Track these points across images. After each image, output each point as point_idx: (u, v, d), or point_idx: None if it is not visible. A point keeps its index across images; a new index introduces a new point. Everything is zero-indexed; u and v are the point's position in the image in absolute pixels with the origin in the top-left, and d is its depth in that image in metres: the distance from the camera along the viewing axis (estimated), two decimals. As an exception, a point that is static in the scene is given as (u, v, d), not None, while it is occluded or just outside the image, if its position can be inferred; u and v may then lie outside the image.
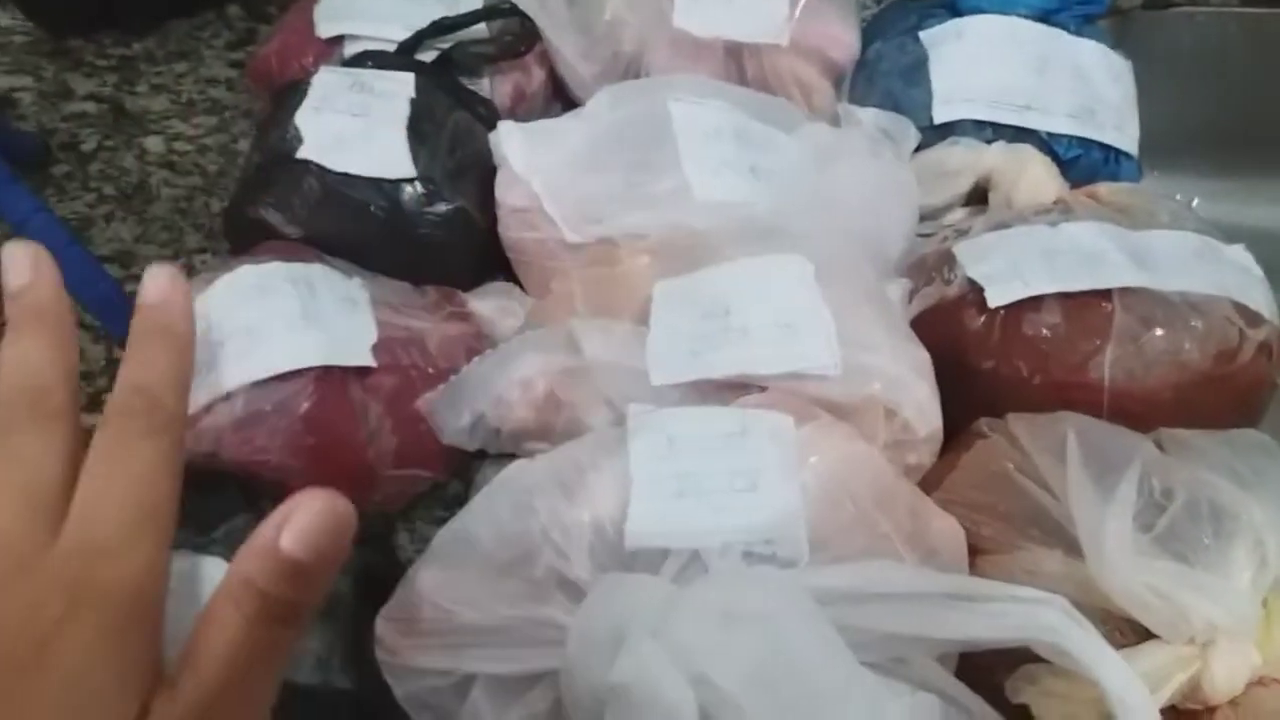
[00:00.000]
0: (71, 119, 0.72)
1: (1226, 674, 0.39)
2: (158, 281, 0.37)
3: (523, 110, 0.66)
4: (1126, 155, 0.61)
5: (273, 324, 0.47)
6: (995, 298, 0.49)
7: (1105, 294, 0.48)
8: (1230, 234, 0.85)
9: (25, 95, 0.73)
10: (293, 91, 0.58)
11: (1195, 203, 0.88)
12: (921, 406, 0.47)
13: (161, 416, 0.33)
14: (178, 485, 0.33)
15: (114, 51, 0.76)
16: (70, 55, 0.76)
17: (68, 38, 0.77)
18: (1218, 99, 0.83)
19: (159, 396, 0.33)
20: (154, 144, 0.70)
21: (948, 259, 0.52)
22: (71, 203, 0.67)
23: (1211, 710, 0.40)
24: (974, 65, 0.60)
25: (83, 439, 0.33)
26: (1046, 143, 0.59)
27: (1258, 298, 0.50)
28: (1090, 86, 0.61)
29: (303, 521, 0.31)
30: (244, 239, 0.58)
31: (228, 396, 0.47)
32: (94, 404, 0.59)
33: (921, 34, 0.62)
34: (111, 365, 0.60)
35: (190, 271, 0.64)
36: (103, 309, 0.58)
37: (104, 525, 0.30)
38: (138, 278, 0.63)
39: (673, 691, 0.36)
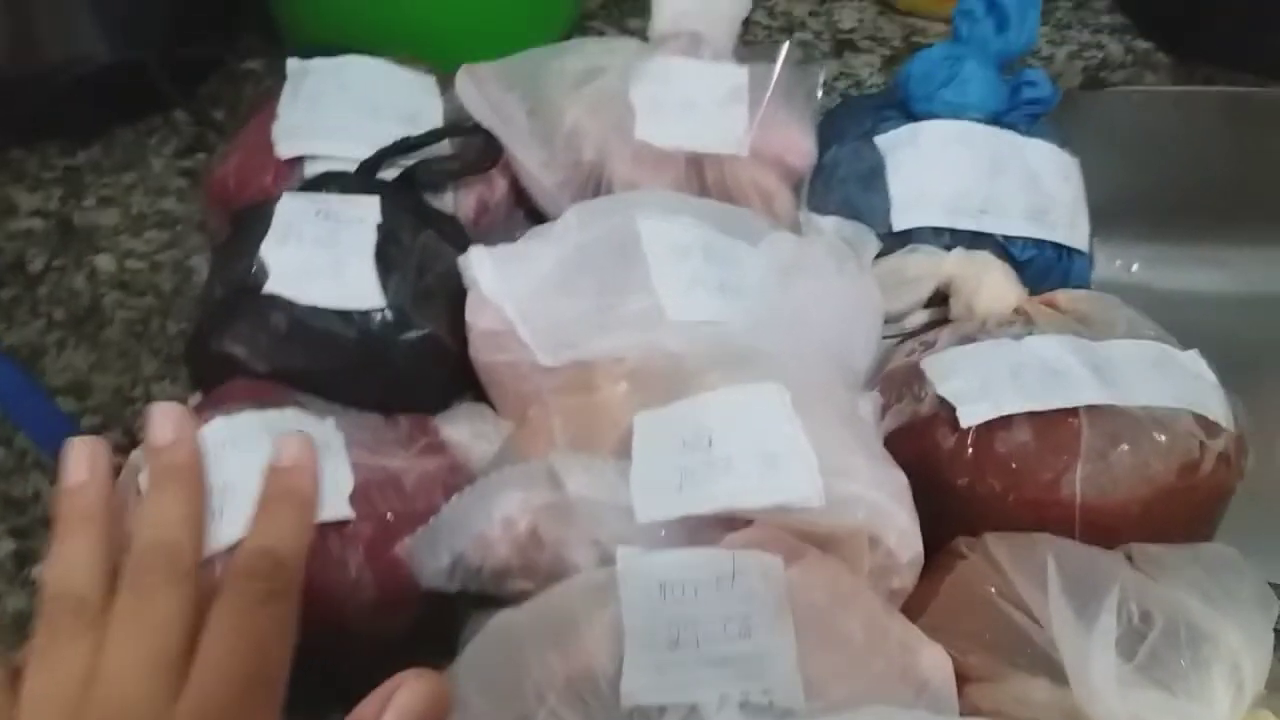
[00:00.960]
0: (17, 237, 0.70)
1: (1211, 800, 0.41)
2: (290, 448, 0.39)
3: (486, 222, 0.66)
4: (1079, 252, 0.63)
5: (248, 483, 0.46)
6: (966, 418, 0.50)
7: (1072, 411, 0.50)
8: (1168, 297, 0.87)
9: (-34, 213, 0.71)
10: (254, 219, 0.57)
11: (1135, 267, 0.92)
12: (904, 532, 0.48)
13: (283, 580, 0.37)
14: (291, 648, 0.35)
15: (58, 162, 0.75)
16: (12, 167, 0.74)
17: (10, 148, 0.75)
18: (1155, 171, 0.87)
19: (283, 560, 0.37)
20: (105, 262, 0.69)
21: (917, 375, 0.53)
22: (21, 330, 0.65)
23: (1199, 834, 0.41)
24: (930, 171, 0.62)
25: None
26: (1003, 245, 0.61)
27: (1214, 406, 0.51)
28: (1042, 186, 0.63)
29: (404, 702, 0.33)
30: (207, 372, 0.57)
31: (206, 562, 0.45)
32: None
33: (877, 139, 0.64)
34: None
35: (149, 401, 0.62)
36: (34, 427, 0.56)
37: (222, 693, 0.34)
38: (93, 410, 0.62)
39: None
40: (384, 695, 0.34)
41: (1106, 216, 0.73)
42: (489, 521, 0.50)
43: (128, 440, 0.59)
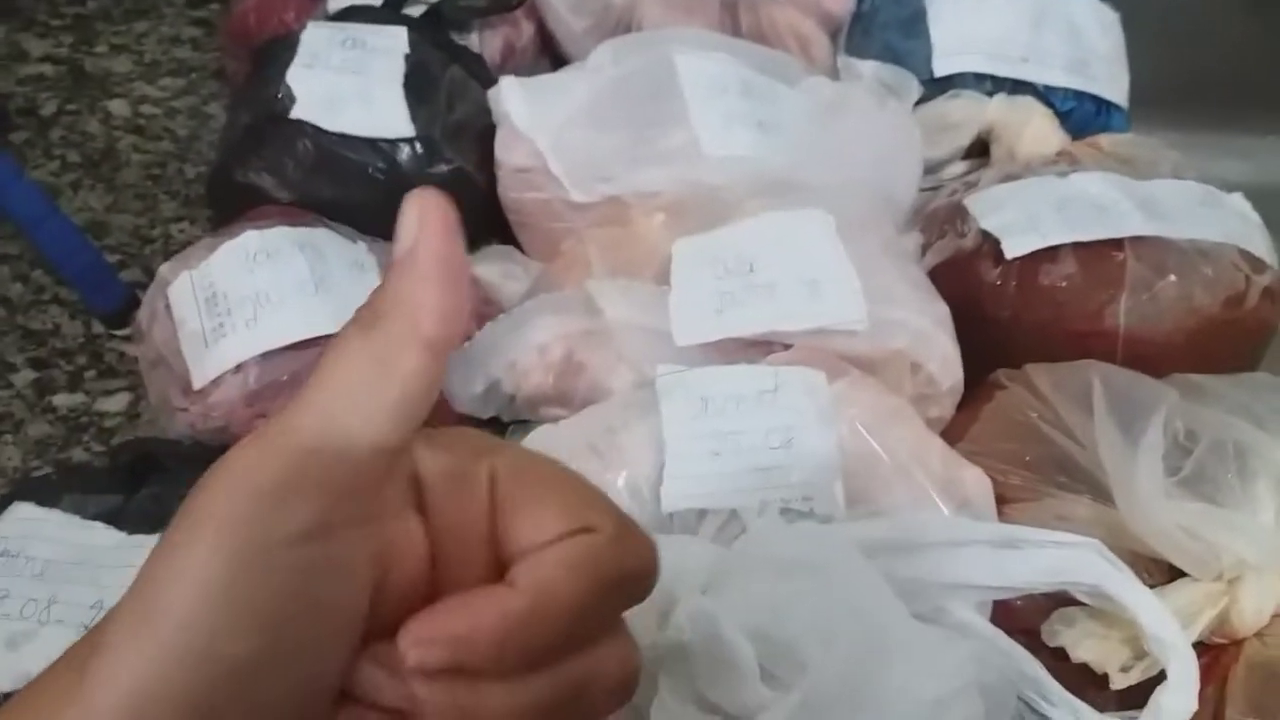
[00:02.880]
0: (28, 82, 0.68)
1: (1254, 607, 0.41)
2: None
3: (512, 66, 0.64)
4: (1117, 107, 0.62)
5: (283, 291, 0.45)
6: (1012, 249, 0.49)
7: (1118, 243, 0.49)
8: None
9: (-25, 58, 0.69)
10: (279, 48, 0.56)
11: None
12: (945, 360, 0.47)
13: None
14: None
15: (67, 10, 0.73)
16: (20, 15, 0.72)
17: (16, -5, 0.73)
18: (1178, 60, 0.85)
19: None
20: (119, 107, 0.67)
21: (960, 212, 0.52)
22: (35, 171, 0.64)
23: (1239, 643, 0.42)
24: (972, 18, 0.60)
25: None
26: (1043, 95, 0.60)
27: (1259, 244, 0.51)
28: (1083, 39, 0.61)
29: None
30: (229, 205, 0.55)
31: (238, 368, 0.45)
32: (73, 384, 0.56)
33: (917, -14, 0.62)
34: (90, 342, 0.58)
35: (169, 242, 0.61)
36: (85, 282, 0.55)
37: None
38: (112, 249, 0.61)
39: (733, 648, 0.36)
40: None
41: (1132, 102, 0.72)
42: (524, 348, 0.49)
43: (148, 279, 0.58)
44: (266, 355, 0.45)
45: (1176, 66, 0.86)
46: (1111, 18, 0.64)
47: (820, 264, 0.47)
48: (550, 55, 0.66)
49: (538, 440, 0.45)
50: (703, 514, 0.42)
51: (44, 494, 0.42)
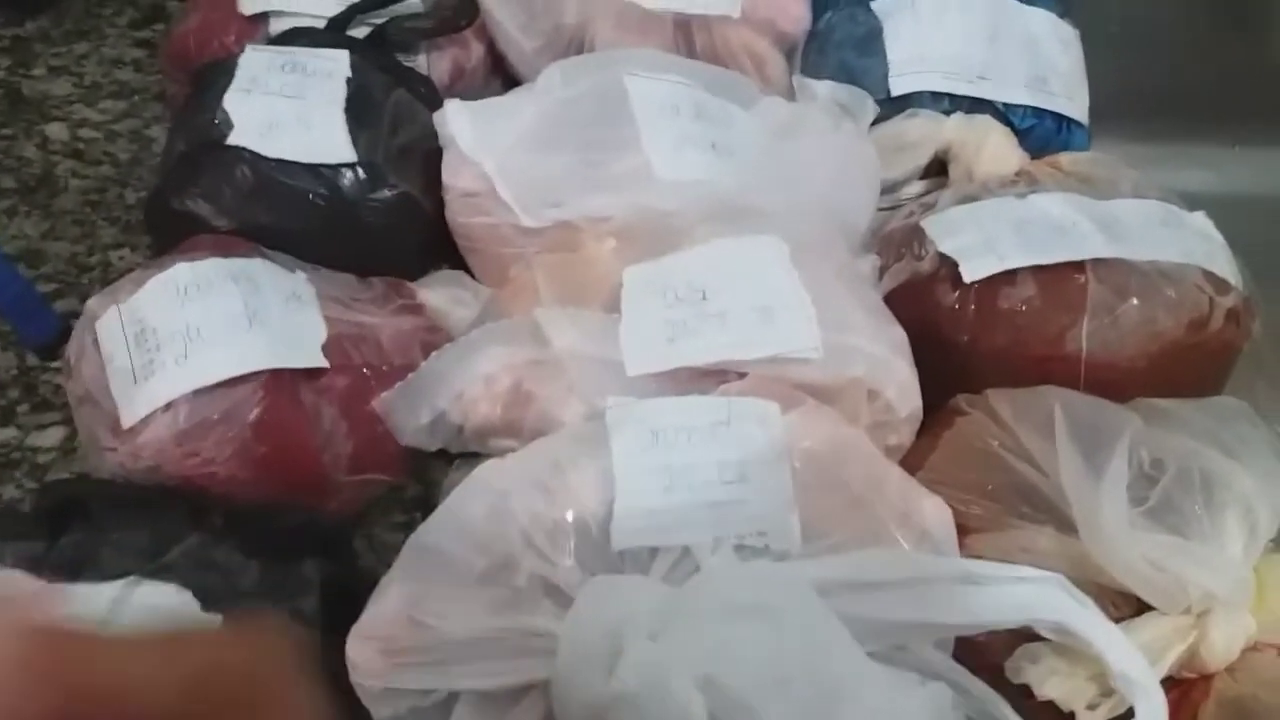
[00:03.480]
0: (-38, 106, 0.66)
1: (1224, 642, 0.40)
2: None
3: (461, 87, 0.63)
4: (1078, 124, 0.61)
5: (215, 325, 0.43)
6: (970, 272, 0.48)
7: (1079, 266, 0.48)
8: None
9: (-93, 80, 0.67)
10: (216, 72, 0.54)
11: (1126, 170, 0.89)
12: (903, 387, 0.46)
13: None
14: None
15: (4, 31, 0.70)
16: (-45, 36, 0.70)
17: (-49, 18, 0.71)
18: (1143, 70, 0.84)
19: None
20: (57, 131, 0.65)
21: (917, 234, 0.51)
22: (-32, 197, 0.61)
23: (1209, 678, 0.40)
24: (929, 36, 0.59)
25: None
26: (1002, 113, 0.59)
27: (1223, 264, 0.50)
28: (1041, 55, 0.61)
29: None
30: (168, 233, 0.53)
31: (168, 406, 0.43)
32: (5, 418, 0.54)
33: (873, 4, 0.61)
34: (24, 374, 0.56)
35: (107, 269, 0.59)
36: (16, 313, 0.53)
37: None
38: (49, 278, 0.59)
39: (680, 697, 0.34)
40: None
41: (1093, 117, 0.71)
42: (471, 378, 0.47)
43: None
44: (198, 393, 0.43)
45: (1140, 78, 0.85)
46: (1070, 34, 0.63)
47: (773, 291, 0.46)
48: (502, 76, 0.64)
49: (484, 475, 0.43)
50: (654, 552, 0.40)
51: (-38, 541, 0.40)
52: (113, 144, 0.65)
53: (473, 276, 0.56)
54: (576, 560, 0.40)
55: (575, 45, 0.61)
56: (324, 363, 0.45)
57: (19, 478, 0.52)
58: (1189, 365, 0.48)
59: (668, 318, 0.46)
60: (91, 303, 0.46)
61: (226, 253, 0.47)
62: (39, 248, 0.60)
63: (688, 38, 0.61)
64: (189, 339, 0.43)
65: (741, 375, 0.46)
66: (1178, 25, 0.82)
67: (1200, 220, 0.52)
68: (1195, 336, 0.48)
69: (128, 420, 0.43)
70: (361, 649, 0.40)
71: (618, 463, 0.41)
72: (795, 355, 0.45)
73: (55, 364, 0.55)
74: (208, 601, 0.39)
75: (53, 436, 0.54)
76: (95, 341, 0.45)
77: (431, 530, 0.42)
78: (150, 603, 0.39)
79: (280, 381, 0.44)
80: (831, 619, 0.37)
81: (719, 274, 0.47)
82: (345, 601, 0.42)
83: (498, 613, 0.39)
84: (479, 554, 0.41)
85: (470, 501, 0.42)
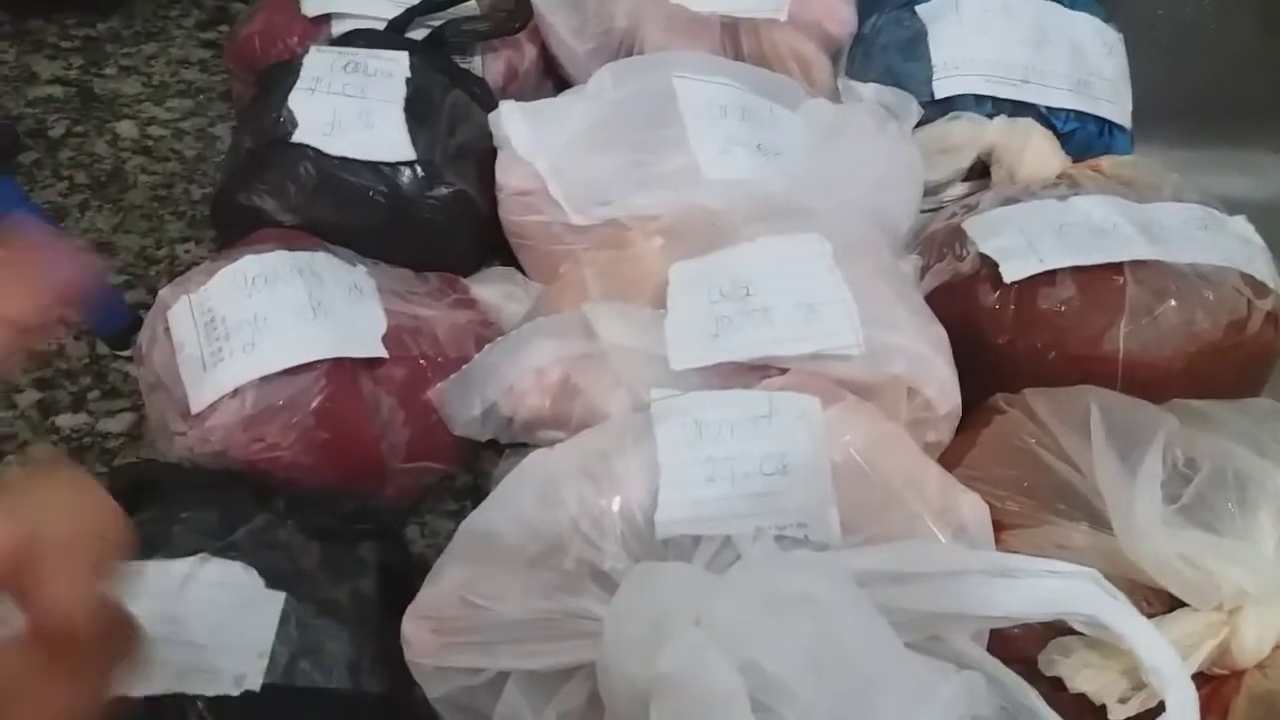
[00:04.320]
0: (38, 104, 0.69)
1: (1255, 638, 0.40)
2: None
3: (515, 89, 0.64)
4: (1120, 128, 0.62)
5: (280, 315, 0.45)
6: (1010, 273, 0.49)
7: (1117, 267, 0.49)
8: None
9: (-15, 79, 0.70)
10: (282, 72, 0.56)
11: (1169, 174, 0.89)
12: (943, 385, 0.47)
13: None
14: None
15: (77, 32, 0.73)
16: (31, 37, 0.73)
17: (27, 19, 0.74)
18: (1188, 75, 0.84)
19: None
20: (126, 128, 0.68)
21: (958, 235, 0.52)
22: (43, 191, 0.64)
23: (1240, 674, 0.41)
24: (973, 39, 0.60)
25: None
26: (1045, 116, 0.60)
27: (1262, 268, 0.50)
28: (1085, 60, 0.61)
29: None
30: (232, 228, 0.56)
31: (235, 393, 0.45)
32: (77, 404, 0.57)
33: (918, 8, 0.62)
34: (95, 363, 0.58)
35: (174, 262, 0.62)
36: (87, 304, 0.55)
37: None
38: (118, 270, 0.62)
39: (722, 679, 0.36)
40: None
41: (1137, 121, 0.72)
42: (521, 371, 0.49)
43: (153, 299, 0.58)
44: (264, 380, 0.45)
45: (1183, 83, 0.85)
46: (1114, 38, 0.64)
47: (816, 288, 0.47)
48: (554, 78, 0.66)
49: (534, 464, 0.45)
50: (697, 540, 0.42)
51: (41, 518, 0.42)
52: (179, 141, 0.67)
53: (524, 273, 0.58)
54: (622, 547, 0.41)
55: (625, 48, 0.63)
56: (383, 353, 0.47)
57: (89, 462, 0.55)
58: (1227, 367, 0.49)
59: (712, 313, 0.48)
60: (163, 293, 0.48)
61: (291, 246, 0.49)
62: (110, 241, 0.63)
63: (735, 40, 0.62)
64: (256, 328, 0.45)
65: (784, 371, 0.47)
66: (1222, 31, 0.81)
67: (1240, 224, 0.52)
68: (1233, 338, 0.48)
69: (197, 406, 0.46)
70: (416, 628, 0.42)
71: (662, 453, 0.43)
72: (837, 352, 0.46)
73: (124, 353, 0.58)
74: (271, 579, 0.41)
75: (122, 423, 0.56)
76: (167, 330, 0.48)
77: (484, 516, 0.44)
78: (218, 579, 0.41)
79: (341, 370, 0.46)
80: (869, 608, 0.38)
81: (763, 271, 0.48)
82: (400, 584, 0.44)
83: (546, 596, 0.41)
84: (529, 539, 0.42)
85: (521, 489, 0.44)
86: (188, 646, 0.38)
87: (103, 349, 0.59)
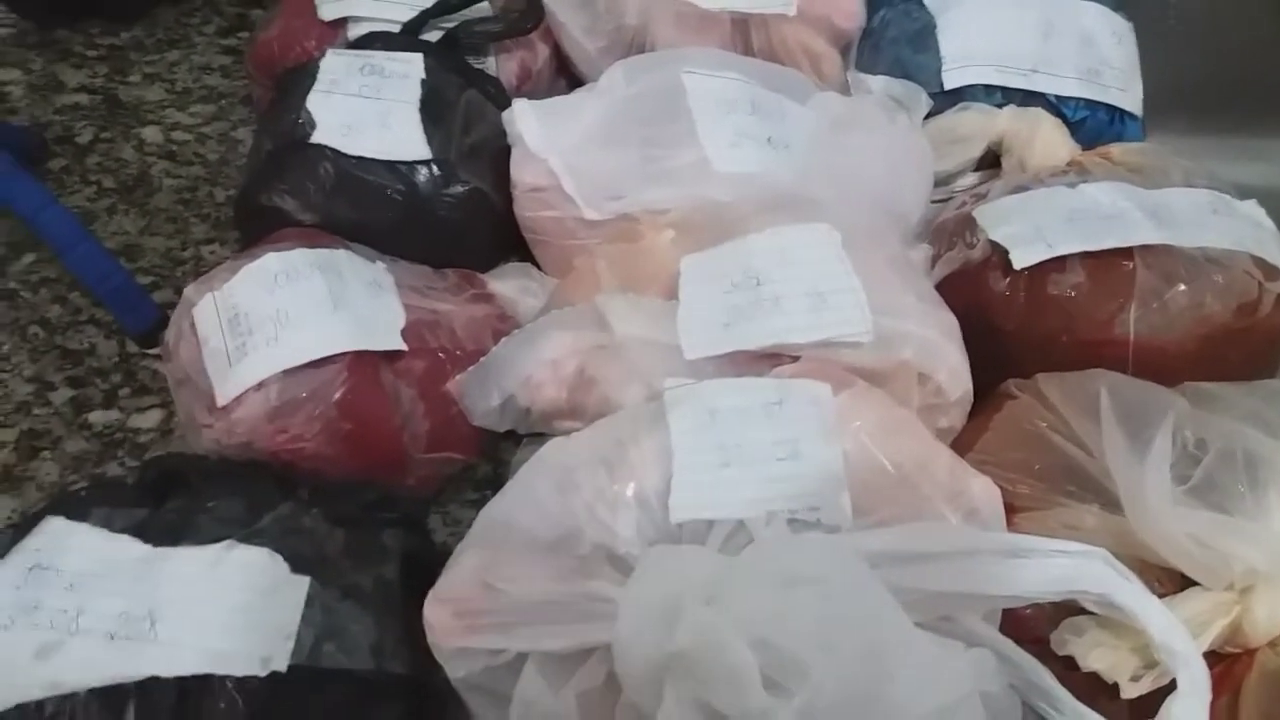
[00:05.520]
0: (65, 111, 0.71)
1: (1267, 616, 0.40)
2: None
3: (529, 88, 0.65)
4: (1131, 116, 0.62)
5: (302, 310, 0.47)
6: (1020, 260, 0.50)
7: (1126, 252, 0.49)
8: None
9: (14, 89, 0.72)
10: (300, 75, 0.57)
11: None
12: (953, 370, 0.48)
13: None
14: None
15: (102, 41, 0.75)
16: (57, 46, 0.75)
17: (53, 29, 0.75)
18: (1197, 62, 0.84)
19: None
20: (151, 134, 0.69)
21: (968, 223, 0.53)
22: (71, 196, 0.66)
23: (1252, 653, 0.41)
24: (981, 30, 0.61)
25: None
26: (1055, 105, 0.60)
27: (1273, 251, 0.50)
28: (1095, 48, 0.61)
29: None
30: (255, 228, 0.57)
31: (260, 386, 0.46)
32: (109, 401, 0.58)
33: (926, 0, 0.62)
34: (125, 361, 0.60)
35: (199, 263, 0.63)
36: (117, 303, 0.57)
37: None
38: (146, 270, 0.63)
39: (736, 655, 0.36)
40: None
41: (1150, 108, 0.72)
42: (537, 363, 0.50)
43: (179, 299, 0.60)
44: (287, 372, 0.46)
45: (1195, 71, 0.85)
46: (1124, 26, 0.64)
47: (826, 277, 0.48)
48: (567, 76, 0.67)
49: (551, 452, 0.45)
50: (710, 524, 0.42)
51: (75, 508, 0.44)
52: (203, 145, 0.69)
53: (539, 268, 0.59)
54: (637, 531, 0.42)
55: (636, 45, 0.64)
56: (403, 346, 0.48)
57: (121, 456, 0.56)
58: (1237, 349, 0.49)
59: (724, 303, 0.48)
60: (188, 290, 0.50)
61: (312, 244, 0.51)
62: (137, 243, 0.64)
63: (745, 36, 0.63)
64: (279, 323, 0.46)
65: (795, 358, 0.48)
66: (1233, 19, 0.81)
67: (1250, 207, 0.52)
68: (1244, 321, 0.48)
69: (223, 399, 0.47)
70: (438, 611, 0.43)
71: (676, 440, 0.44)
72: (847, 339, 0.47)
73: (153, 351, 0.60)
74: (296, 565, 0.42)
75: (151, 418, 0.58)
76: (192, 326, 0.49)
77: (502, 503, 0.45)
78: (245, 564, 0.42)
79: (362, 363, 0.47)
80: (879, 587, 0.39)
81: (773, 261, 0.49)
82: (422, 571, 0.45)
83: (563, 579, 0.42)
84: (546, 525, 0.43)
85: (538, 476, 0.45)
86: (216, 629, 0.39)
87: (132, 348, 0.60)
